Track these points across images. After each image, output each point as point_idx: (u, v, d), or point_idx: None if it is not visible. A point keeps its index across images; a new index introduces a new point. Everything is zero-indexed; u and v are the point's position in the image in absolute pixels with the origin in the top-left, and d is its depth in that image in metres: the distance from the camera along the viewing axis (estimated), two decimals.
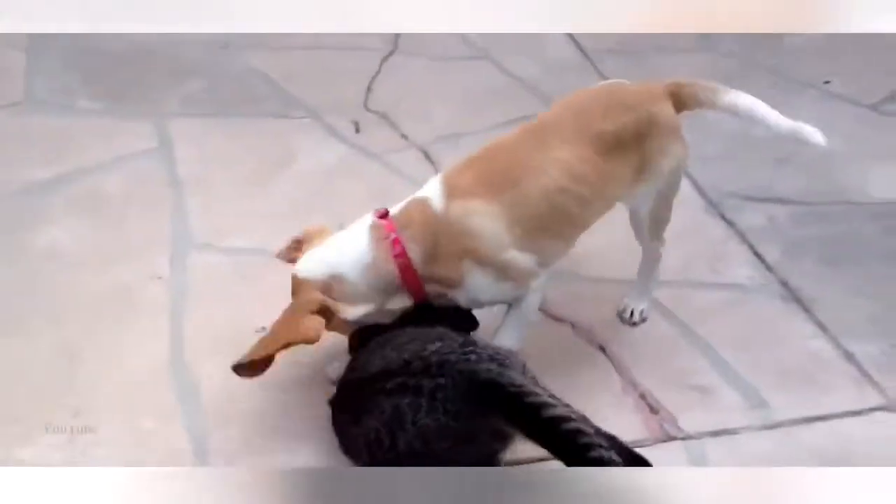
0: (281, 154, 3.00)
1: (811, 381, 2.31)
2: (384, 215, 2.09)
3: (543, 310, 2.45)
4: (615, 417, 2.19)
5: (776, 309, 2.51)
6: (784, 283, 2.59)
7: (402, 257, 2.03)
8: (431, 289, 2.08)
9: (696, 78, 2.33)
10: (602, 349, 2.37)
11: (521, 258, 2.09)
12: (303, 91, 3.29)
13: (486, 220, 2.04)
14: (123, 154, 2.92)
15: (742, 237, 2.73)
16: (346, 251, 2.05)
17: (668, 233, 2.71)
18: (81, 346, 2.30)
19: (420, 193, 2.10)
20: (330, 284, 2.03)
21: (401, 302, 2.08)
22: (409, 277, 2.04)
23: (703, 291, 2.55)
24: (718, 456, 2.12)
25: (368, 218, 2.10)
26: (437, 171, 2.94)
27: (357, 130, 3.13)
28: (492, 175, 2.08)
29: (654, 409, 2.22)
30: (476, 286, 2.07)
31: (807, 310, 2.51)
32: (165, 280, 2.49)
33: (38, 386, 2.20)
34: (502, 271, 2.08)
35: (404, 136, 3.12)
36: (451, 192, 2.06)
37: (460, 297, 2.10)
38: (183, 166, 2.91)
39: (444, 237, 2.03)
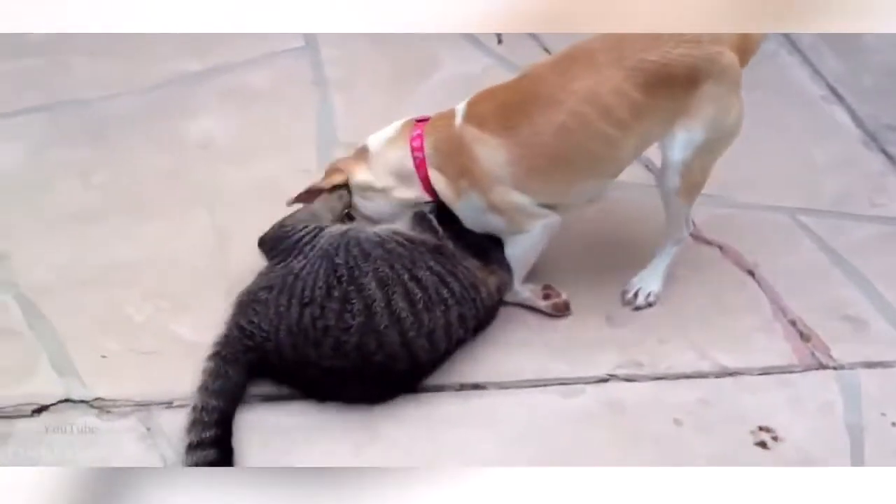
0: (424, 62, 2.98)
1: None
2: (425, 119, 2.15)
3: (693, 233, 2.40)
4: (763, 342, 2.17)
5: None
6: None
7: (418, 150, 2.09)
8: (440, 194, 2.09)
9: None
10: (751, 274, 2.31)
11: (515, 198, 2.04)
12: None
13: (487, 152, 2.02)
14: (272, 52, 2.94)
15: None
16: (382, 132, 2.18)
17: (825, 162, 2.65)
18: (232, 231, 2.34)
19: (458, 106, 2.11)
20: (359, 153, 2.18)
21: (410, 192, 2.11)
22: (420, 167, 2.09)
23: (859, 223, 2.46)
24: (872, 388, 2.07)
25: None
26: None
27: (500, 42, 3.09)
28: (508, 107, 2.03)
29: (805, 337, 2.17)
30: (467, 208, 2.07)
31: None
32: (312, 174, 2.51)
33: (191, 267, 2.25)
34: (493, 205, 2.04)
35: (547, 50, 3.06)
36: (469, 116, 2.06)
37: (458, 214, 2.10)
38: (328, 67, 2.92)
39: (453, 151, 2.05)
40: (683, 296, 2.25)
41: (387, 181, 2.12)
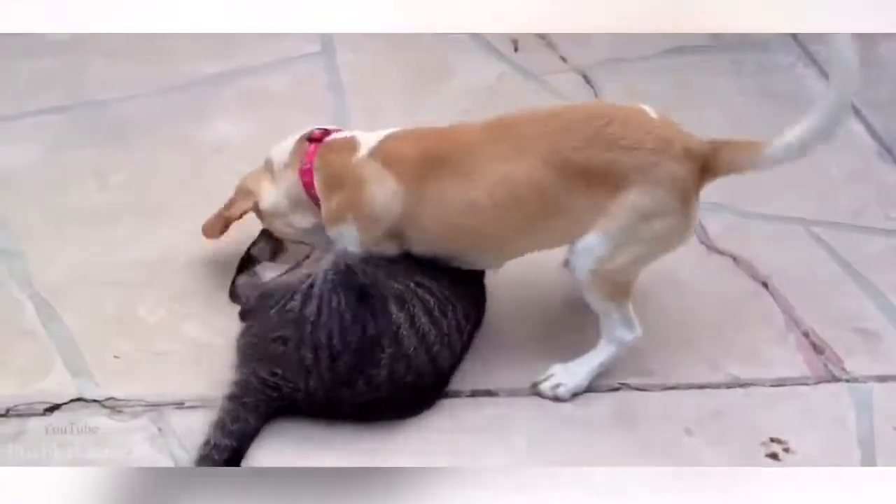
0: (439, 67, 2.98)
1: None
2: (320, 138, 2.06)
3: (706, 243, 2.40)
4: (776, 354, 2.16)
5: None
6: None
7: (309, 185, 2.03)
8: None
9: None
10: (765, 285, 2.31)
11: (385, 247, 1.99)
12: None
13: (383, 193, 1.95)
14: (288, 56, 2.95)
15: None
16: (282, 146, 2.11)
17: (840, 175, 2.64)
18: (246, 234, 2.33)
19: (363, 135, 2.03)
20: (266, 168, 2.14)
21: (305, 220, 2.08)
22: (312, 197, 2.05)
23: (874, 236, 2.45)
24: (885, 402, 2.06)
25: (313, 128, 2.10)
26: (597, 95, 2.91)
27: (516, 49, 3.09)
28: (426, 159, 1.94)
29: (818, 349, 2.16)
30: (340, 238, 2.02)
31: None
32: None
33: (205, 269, 2.25)
34: (364, 243, 1.99)
35: (563, 59, 3.06)
36: (381, 152, 1.98)
37: (331, 237, 2.05)
38: (343, 72, 2.93)
39: (345, 182, 1.99)
40: (696, 306, 2.25)
41: (288, 207, 2.09)
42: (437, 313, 1.96)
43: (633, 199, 1.86)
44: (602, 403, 2.04)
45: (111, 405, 1.94)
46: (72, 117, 2.65)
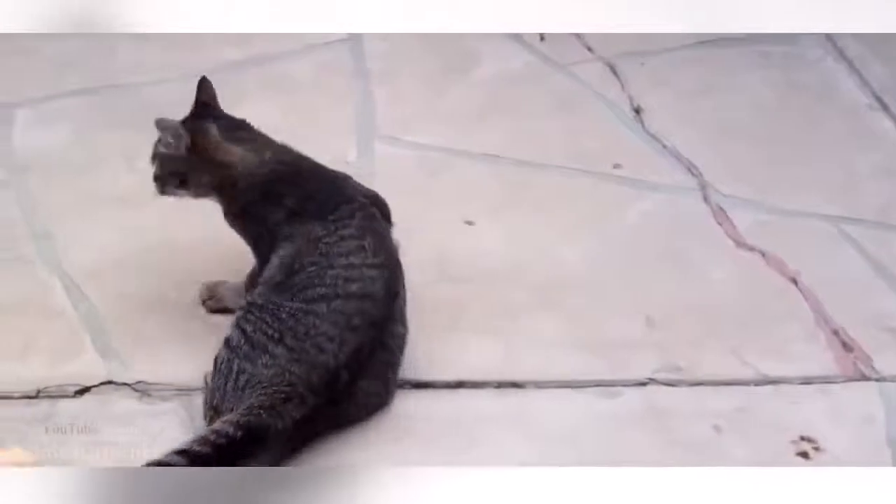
0: (466, 56, 2.98)
1: None
2: None
3: (735, 239, 2.39)
4: (805, 351, 2.14)
5: None
6: None
7: None
8: None
9: None
10: (794, 281, 2.29)
11: None
12: None
13: None
14: (315, 42, 2.94)
15: None
16: None
17: (869, 171, 2.62)
18: None
19: None
20: None
21: None
22: None
23: None
24: None
25: None
26: (623, 86, 2.90)
27: (542, 39, 3.08)
28: None
29: (847, 347, 2.15)
30: None
31: None
32: (353, 164, 2.52)
33: (233, 252, 2.21)
34: None
35: (589, 49, 3.05)
36: None
37: None
38: (370, 59, 2.93)
39: None
40: (725, 301, 2.23)
41: None
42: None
43: None
44: (629, 398, 2.02)
45: (142, 388, 1.94)
46: (100, 100, 2.65)
